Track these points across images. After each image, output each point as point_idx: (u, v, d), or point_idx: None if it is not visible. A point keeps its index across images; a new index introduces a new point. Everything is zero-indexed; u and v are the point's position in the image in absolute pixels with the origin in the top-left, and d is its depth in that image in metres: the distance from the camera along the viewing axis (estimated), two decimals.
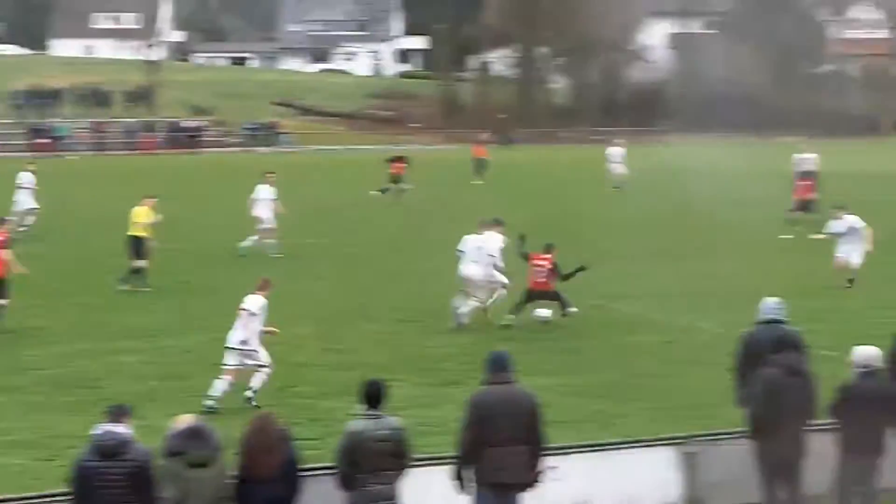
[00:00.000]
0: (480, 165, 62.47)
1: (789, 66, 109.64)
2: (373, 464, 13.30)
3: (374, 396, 13.58)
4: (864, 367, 15.45)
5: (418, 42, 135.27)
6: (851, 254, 31.88)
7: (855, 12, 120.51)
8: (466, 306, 27.44)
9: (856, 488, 15.47)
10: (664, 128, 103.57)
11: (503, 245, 27.96)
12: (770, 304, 17.30)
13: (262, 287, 21.27)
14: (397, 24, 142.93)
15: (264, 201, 37.39)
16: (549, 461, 14.43)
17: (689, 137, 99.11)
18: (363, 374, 22.07)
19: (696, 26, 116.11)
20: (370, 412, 13.51)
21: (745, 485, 15.83)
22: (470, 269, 27.64)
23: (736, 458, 16.04)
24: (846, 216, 32.31)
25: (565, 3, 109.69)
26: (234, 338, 20.95)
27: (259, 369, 20.93)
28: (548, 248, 27.85)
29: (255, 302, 21.01)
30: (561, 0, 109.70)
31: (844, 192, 54.66)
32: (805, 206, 41.92)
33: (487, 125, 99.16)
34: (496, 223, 28.32)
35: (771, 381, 15.24)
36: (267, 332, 21.38)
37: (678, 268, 35.52)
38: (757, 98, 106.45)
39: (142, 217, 32.09)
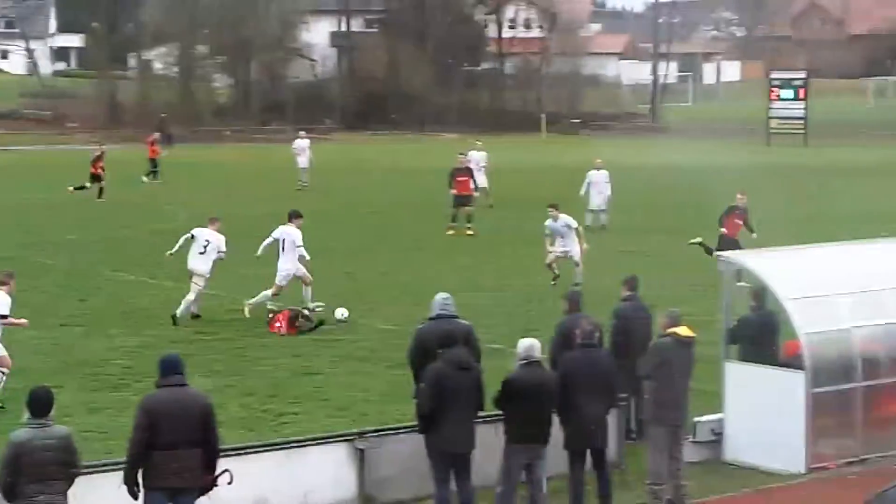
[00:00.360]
0: (154, 165, 61.71)
1: (449, 65, 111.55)
2: (39, 473, 12.87)
3: (40, 404, 13.13)
4: (525, 358, 15.80)
5: (74, 40, 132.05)
6: (571, 250, 31.90)
7: (511, 12, 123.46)
8: (187, 301, 27.41)
9: (525, 477, 15.79)
10: (328, 126, 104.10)
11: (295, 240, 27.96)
12: (440, 300, 17.53)
13: (2, 282, 20.50)
14: (53, 21, 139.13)
15: None
16: (222, 463, 14.25)
17: (352, 135, 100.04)
18: (24, 382, 21.45)
19: (357, 24, 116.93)
20: (36, 421, 13.07)
21: (417, 478, 16.01)
22: (195, 261, 27.63)
23: (407, 453, 16.21)
24: (561, 215, 32.40)
25: (223, 1, 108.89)
26: None
27: None
28: None
29: None
30: None
31: (509, 188, 56.06)
32: (463, 201, 42.43)
33: (149, 124, 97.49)
34: (297, 216, 28.43)
35: (438, 375, 15.44)
36: (15, 325, 20.92)
37: (347, 265, 35.70)
38: (418, 96, 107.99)
39: None
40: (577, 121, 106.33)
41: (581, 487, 16.09)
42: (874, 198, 47.43)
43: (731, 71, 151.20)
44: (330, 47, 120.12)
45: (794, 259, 20.32)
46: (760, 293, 19.18)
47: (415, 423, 15.90)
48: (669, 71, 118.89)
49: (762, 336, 18.92)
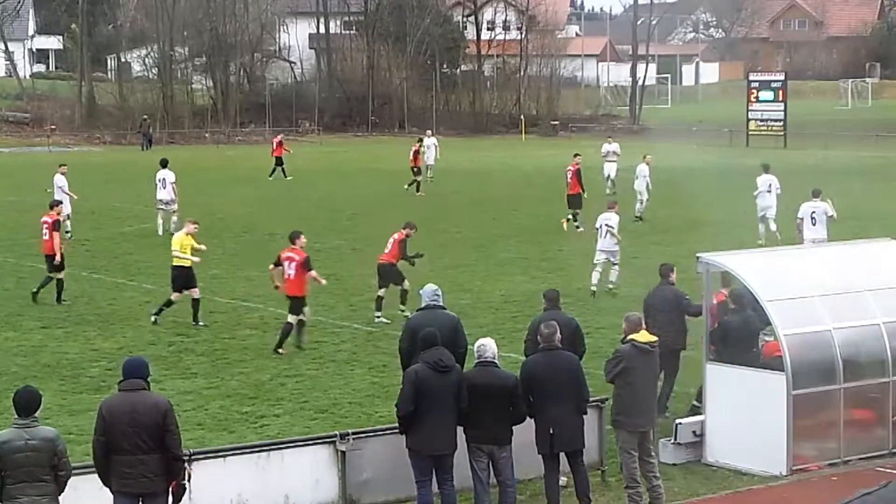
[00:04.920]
0: (280, 163, 63.39)
1: (428, 66, 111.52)
2: (24, 474, 12.75)
3: (25, 405, 13.02)
4: (481, 359, 15.79)
5: (52, 42, 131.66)
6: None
7: (489, 14, 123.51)
8: None
9: (493, 477, 15.74)
10: (306, 128, 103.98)
11: None
12: (430, 291, 18.04)
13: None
14: (31, 23, 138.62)
15: None
16: (200, 465, 14.20)
17: (331, 137, 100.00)
18: (5, 385, 21.40)
19: (336, 26, 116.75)
20: (20, 421, 12.96)
21: (399, 480, 15.98)
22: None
23: (388, 454, 16.18)
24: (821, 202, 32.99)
25: (201, 3, 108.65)
26: None
27: None
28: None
29: None
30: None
31: (489, 189, 56.01)
32: (578, 201, 43.40)
33: (128, 126, 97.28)
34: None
35: (417, 376, 15.40)
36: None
37: (331, 267, 35.62)
38: (397, 97, 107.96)
39: None
40: (556, 123, 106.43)
41: (555, 489, 16.05)
42: (856, 198, 47.54)
43: (710, 73, 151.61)
44: (308, 49, 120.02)
45: (774, 260, 20.35)
46: (740, 295, 19.20)
47: (396, 424, 15.87)
48: (648, 73, 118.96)
49: (742, 338, 18.95)
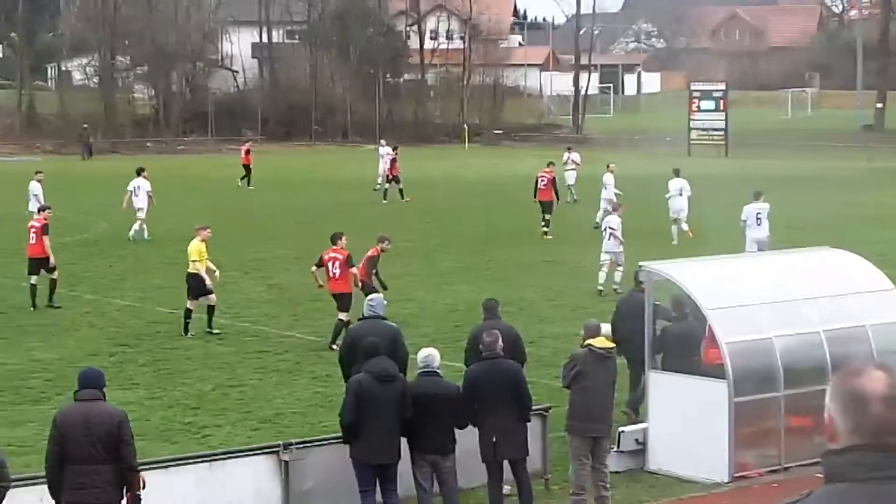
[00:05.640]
0: (248, 172, 63.79)
1: (371, 76, 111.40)
2: None
3: None
4: (423, 368, 15.81)
5: None
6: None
7: (432, 23, 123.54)
8: None
9: (440, 488, 15.74)
10: (249, 137, 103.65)
11: None
12: (367, 300, 18.09)
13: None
14: None
15: None
16: (143, 476, 14.12)
17: (274, 146, 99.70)
18: None
19: (279, 36, 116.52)
20: None
21: (343, 490, 15.95)
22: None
23: (332, 464, 16.16)
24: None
25: (143, 12, 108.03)
26: None
27: None
28: None
29: None
30: (139, 8, 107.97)
31: (433, 197, 55.99)
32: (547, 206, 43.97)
33: (69, 136, 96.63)
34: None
35: (360, 386, 15.38)
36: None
37: (274, 277, 35.53)
38: (340, 107, 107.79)
39: None
40: (500, 132, 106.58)
41: (499, 497, 16.06)
42: (795, 207, 47.94)
43: (652, 82, 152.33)
44: (251, 58, 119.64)
45: (715, 269, 20.47)
46: (682, 303, 19.30)
47: (339, 434, 15.85)
48: (591, 82, 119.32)
49: (684, 346, 19.04)
